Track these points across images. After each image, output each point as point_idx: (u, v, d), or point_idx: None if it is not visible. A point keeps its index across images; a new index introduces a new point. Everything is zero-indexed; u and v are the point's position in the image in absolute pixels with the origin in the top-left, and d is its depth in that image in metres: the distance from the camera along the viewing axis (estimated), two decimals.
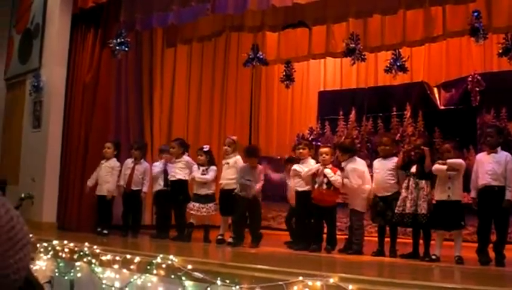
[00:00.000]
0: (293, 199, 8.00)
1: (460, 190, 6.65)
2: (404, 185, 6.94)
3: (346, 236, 7.74)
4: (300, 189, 7.60)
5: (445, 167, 6.55)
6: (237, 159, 8.08)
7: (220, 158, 8.82)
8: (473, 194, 6.68)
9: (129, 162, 8.84)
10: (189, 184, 8.46)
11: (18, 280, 0.83)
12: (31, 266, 0.90)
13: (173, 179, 8.43)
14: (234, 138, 8.48)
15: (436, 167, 6.63)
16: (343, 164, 7.51)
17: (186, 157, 8.52)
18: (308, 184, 7.52)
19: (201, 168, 8.24)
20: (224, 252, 7.25)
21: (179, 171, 8.40)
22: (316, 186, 7.38)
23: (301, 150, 7.84)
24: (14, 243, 0.83)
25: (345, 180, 7.34)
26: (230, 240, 7.77)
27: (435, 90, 11.41)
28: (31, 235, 0.92)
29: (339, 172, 7.33)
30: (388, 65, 9.68)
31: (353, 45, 9.36)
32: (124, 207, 8.83)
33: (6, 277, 0.80)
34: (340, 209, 7.92)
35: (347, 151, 7.66)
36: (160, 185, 8.68)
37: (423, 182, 6.78)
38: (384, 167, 7.36)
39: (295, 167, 7.69)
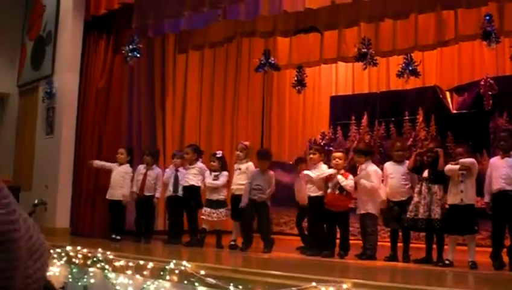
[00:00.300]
0: (302, 199, 8.03)
1: (473, 193, 6.59)
2: (417, 189, 6.90)
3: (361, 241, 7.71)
4: (313, 194, 7.58)
5: (457, 166, 6.51)
6: (249, 165, 8.11)
7: (232, 163, 8.82)
8: (486, 198, 6.64)
9: (141, 168, 8.88)
10: (202, 190, 8.47)
11: (37, 288, 0.84)
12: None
13: (186, 184, 8.44)
14: (246, 143, 8.50)
15: (449, 166, 6.60)
16: (363, 166, 7.45)
17: (199, 164, 8.54)
18: (320, 189, 7.50)
19: (213, 173, 8.26)
20: (237, 258, 7.25)
21: (192, 177, 8.41)
22: (329, 191, 7.38)
23: (312, 155, 7.82)
24: (32, 252, 0.84)
25: (365, 181, 7.29)
26: (242, 245, 7.77)
27: (447, 94, 11.35)
28: (46, 243, 0.93)
29: (351, 176, 7.33)
30: (400, 70, 9.64)
31: (365, 50, 9.34)
32: (137, 213, 8.86)
33: (27, 286, 0.81)
34: (353, 215, 7.89)
35: (365, 154, 7.64)
36: (170, 190, 8.69)
37: (436, 186, 6.74)
38: (398, 171, 7.34)
39: (307, 172, 7.66)
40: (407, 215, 6.87)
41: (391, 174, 7.39)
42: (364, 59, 9.42)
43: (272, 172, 7.97)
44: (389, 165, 7.57)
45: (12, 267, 0.78)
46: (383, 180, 7.48)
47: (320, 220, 7.58)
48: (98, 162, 8.96)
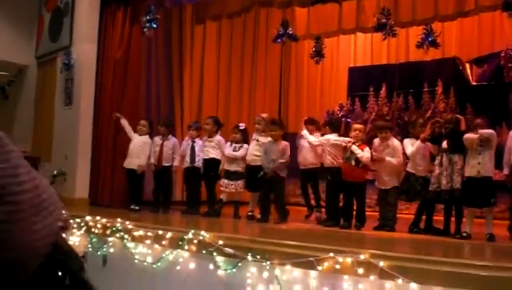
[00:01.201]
0: (304, 161, 8.38)
1: (491, 166, 6.52)
2: (437, 161, 6.85)
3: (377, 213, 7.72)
4: (330, 164, 7.61)
5: (476, 135, 6.44)
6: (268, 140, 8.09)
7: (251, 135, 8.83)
8: (506, 171, 6.61)
9: (157, 139, 8.90)
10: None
11: (42, 246, 0.85)
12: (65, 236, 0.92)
13: (206, 157, 8.46)
14: (264, 115, 8.50)
15: (468, 135, 6.53)
16: (389, 142, 7.41)
17: (218, 137, 8.54)
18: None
19: (234, 145, 8.27)
20: (254, 228, 7.28)
21: (211, 150, 8.44)
22: (345, 161, 7.36)
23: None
24: (40, 209, 0.85)
25: (391, 159, 7.27)
26: (259, 216, 7.81)
27: (467, 65, 11.25)
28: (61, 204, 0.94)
29: (367, 149, 7.31)
30: (420, 40, 9.54)
31: (384, 20, 9.25)
32: (155, 183, 8.92)
33: (31, 242, 0.82)
34: (370, 186, 7.88)
35: (391, 129, 7.61)
36: (187, 162, 8.73)
37: (456, 156, 6.67)
38: (422, 150, 7.27)
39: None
40: (430, 188, 6.84)
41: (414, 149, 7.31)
42: (384, 29, 9.34)
43: (284, 142, 7.89)
44: (410, 141, 7.46)
45: (12, 220, 0.80)
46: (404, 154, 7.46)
47: (336, 190, 7.60)
48: (124, 121, 8.97)
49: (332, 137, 7.68)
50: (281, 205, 7.85)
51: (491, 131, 6.57)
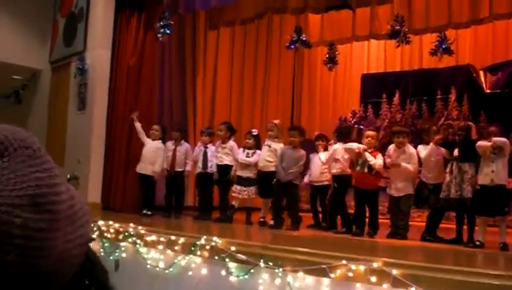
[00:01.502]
0: (315, 177, 8.30)
1: (504, 174, 6.45)
2: (448, 169, 6.84)
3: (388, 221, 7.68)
4: (337, 173, 7.63)
5: (489, 143, 6.39)
6: (280, 147, 8.07)
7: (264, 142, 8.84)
8: None
9: (170, 144, 8.92)
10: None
11: (78, 255, 0.88)
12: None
13: (220, 163, 8.47)
14: (276, 121, 8.49)
15: (481, 143, 6.48)
16: (405, 149, 7.35)
17: (231, 142, 8.55)
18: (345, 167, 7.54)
19: (247, 151, 8.28)
20: (266, 235, 7.27)
21: (225, 156, 8.44)
22: (357, 169, 7.33)
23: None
24: (73, 220, 0.88)
25: (407, 165, 7.20)
26: (271, 222, 7.80)
27: (481, 73, 11.20)
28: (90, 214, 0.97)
29: (379, 156, 7.28)
30: (434, 48, 9.52)
31: (398, 27, 9.23)
32: (167, 188, 8.93)
33: (68, 250, 0.85)
34: (382, 194, 7.85)
35: (407, 135, 7.56)
36: (199, 167, 8.73)
37: (466, 165, 6.66)
38: (435, 154, 7.23)
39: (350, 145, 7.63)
40: (440, 196, 6.82)
41: (429, 157, 7.26)
42: (398, 36, 9.32)
43: (302, 151, 7.89)
44: (423, 148, 7.43)
45: (54, 229, 0.82)
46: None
47: (342, 198, 7.60)
48: (138, 124, 8.97)
49: (339, 147, 7.67)
50: (294, 212, 7.84)
51: (504, 139, 6.52)
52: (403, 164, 7.20)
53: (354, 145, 7.43)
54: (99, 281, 0.92)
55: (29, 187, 0.81)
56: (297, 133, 7.88)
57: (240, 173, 8.27)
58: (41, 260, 0.81)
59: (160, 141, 8.90)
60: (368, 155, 7.22)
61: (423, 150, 7.30)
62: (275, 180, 7.77)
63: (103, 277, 0.94)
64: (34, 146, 0.88)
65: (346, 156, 7.57)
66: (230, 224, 8.07)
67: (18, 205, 0.79)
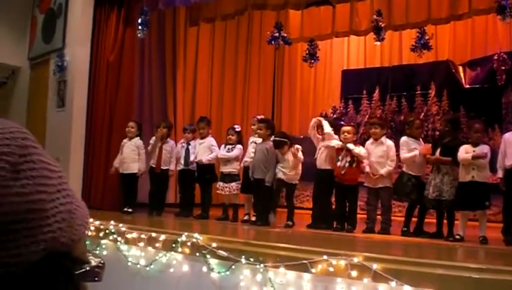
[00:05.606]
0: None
1: (486, 171, 6.48)
2: (431, 169, 6.91)
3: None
4: (322, 167, 7.57)
5: (469, 156, 6.41)
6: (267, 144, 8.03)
7: (245, 138, 8.81)
8: (500, 174, 6.60)
9: (153, 141, 8.81)
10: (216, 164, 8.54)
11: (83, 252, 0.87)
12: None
13: (200, 162, 8.44)
14: (259, 117, 8.47)
15: (462, 157, 6.47)
16: (382, 140, 7.37)
17: (209, 138, 8.53)
18: (330, 163, 7.49)
19: (228, 146, 8.26)
20: (248, 231, 7.27)
21: (202, 152, 8.43)
22: (338, 164, 7.31)
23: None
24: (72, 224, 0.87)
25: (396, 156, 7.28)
26: (253, 218, 7.78)
27: (460, 68, 11.29)
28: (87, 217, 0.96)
29: (361, 147, 7.29)
30: (414, 44, 9.58)
31: (381, 23, 9.28)
32: (152, 186, 8.85)
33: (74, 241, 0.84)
34: (362, 189, 7.84)
35: (382, 127, 7.54)
36: (181, 164, 8.70)
37: (447, 166, 6.72)
38: (416, 147, 7.25)
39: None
40: (424, 193, 6.86)
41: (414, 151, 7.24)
42: (381, 32, 9.37)
43: (270, 143, 7.70)
44: (406, 141, 7.39)
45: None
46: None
47: (328, 193, 7.57)
48: (116, 162, 8.81)
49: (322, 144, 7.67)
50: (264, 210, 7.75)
51: (484, 152, 6.42)
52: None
53: (333, 143, 7.42)
54: (73, 279, 0.87)
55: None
56: (264, 126, 7.83)
57: (221, 168, 8.27)
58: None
59: (138, 138, 8.79)
60: (350, 145, 7.18)
61: (405, 146, 7.29)
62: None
63: (77, 278, 0.88)
64: (11, 158, 0.80)
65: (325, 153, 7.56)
66: (213, 221, 8.07)
67: None
